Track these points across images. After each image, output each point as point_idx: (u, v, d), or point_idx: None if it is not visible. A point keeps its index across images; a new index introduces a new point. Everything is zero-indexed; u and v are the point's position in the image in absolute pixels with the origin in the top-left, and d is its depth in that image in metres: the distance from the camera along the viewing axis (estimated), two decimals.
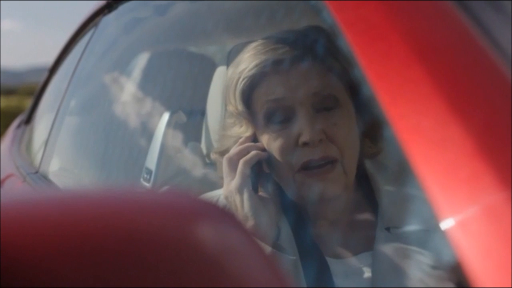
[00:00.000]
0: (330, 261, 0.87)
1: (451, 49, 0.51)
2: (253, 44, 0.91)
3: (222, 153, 0.92)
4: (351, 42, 0.56)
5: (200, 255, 0.32)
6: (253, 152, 0.88)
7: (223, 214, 0.36)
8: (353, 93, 0.89)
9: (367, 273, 0.86)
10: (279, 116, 0.87)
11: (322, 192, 0.86)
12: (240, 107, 0.90)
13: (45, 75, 2.54)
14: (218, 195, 0.93)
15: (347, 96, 0.88)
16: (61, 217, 0.32)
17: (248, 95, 0.90)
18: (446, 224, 0.45)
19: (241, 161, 0.87)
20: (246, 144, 0.89)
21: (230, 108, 0.92)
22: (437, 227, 0.50)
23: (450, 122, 0.46)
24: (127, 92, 1.65)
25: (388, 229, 0.88)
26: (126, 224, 0.32)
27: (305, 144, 0.84)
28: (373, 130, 0.90)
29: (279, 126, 0.87)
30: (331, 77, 0.87)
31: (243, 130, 0.92)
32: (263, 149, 0.89)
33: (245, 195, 0.85)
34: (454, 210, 0.45)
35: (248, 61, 0.89)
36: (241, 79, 0.89)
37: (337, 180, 0.85)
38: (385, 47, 0.53)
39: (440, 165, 0.46)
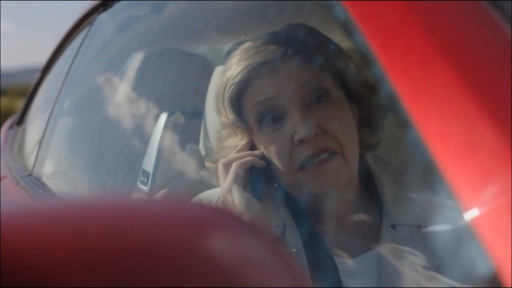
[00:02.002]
0: (336, 261, 0.85)
1: (479, 46, 0.48)
2: (240, 49, 0.90)
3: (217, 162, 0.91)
4: (368, 39, 0.54)
5: (210, 265, 0.31)
6: (248, 158, 0.87)
7: (231, 219, 0.35)
8: (342, 83, 0.88)
9: (373, 273, 0.85)
10: (270, 117, 0.86)
11: (326, 185, 0.85)
12: (231, 116, 0.90)
13: (36, 75, 2.50)
14: (217, 192, 0.91)
15: (337, 87, 0.87)
16: (64, 226, 0.31)
17: (238, 102, 0.89)
18: (475, 224, 0.43)
19: (234, 163, 0.87)
20: (244, 153, 0.89)
21: (222, 118, 0.92)
22: (453, 228, 0.48)
23: (479, 124, 0.44)
24: (124, 92, 1.62)
25: (393, 227, 0.87)
26: (129, 234, 0.31)
27: (301, 141, 0.83)
28: (369, 118, 0.90)
29: (272, 128, 0.86)
30: (316, 69, 0.86)
31: (238, 139, 0.91)
32: (262, 157, 0.88)
33: (235, 193, 0.85)
34: (484, 212, 0.43)
35: (233, 68, 0.89)
36: (227, 87, 0.89)
37: (339, 171, 0.84)
38: (406, 44, 0.50)
39: (469, 168, 0.44)
